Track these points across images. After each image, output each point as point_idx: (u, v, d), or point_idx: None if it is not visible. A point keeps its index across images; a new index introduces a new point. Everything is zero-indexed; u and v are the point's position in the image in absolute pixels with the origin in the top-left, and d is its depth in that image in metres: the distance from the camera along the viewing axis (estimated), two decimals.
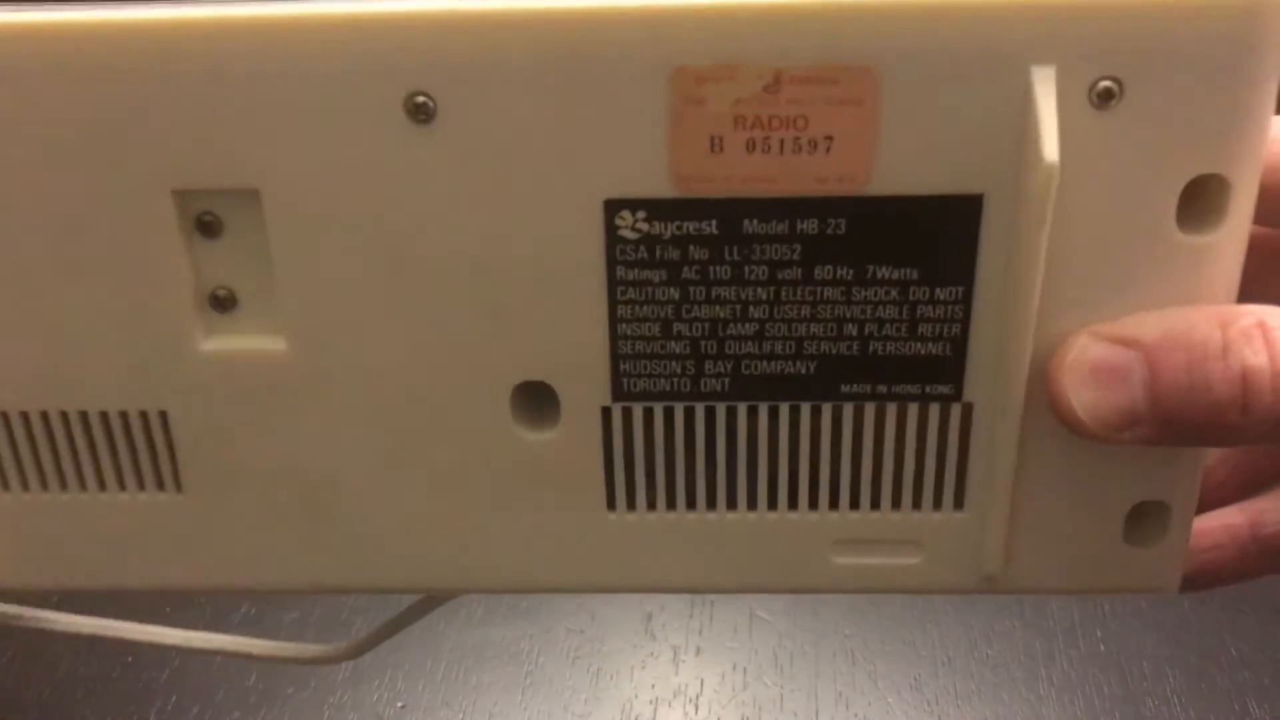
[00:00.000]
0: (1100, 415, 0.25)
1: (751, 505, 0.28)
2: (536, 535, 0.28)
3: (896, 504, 0.28)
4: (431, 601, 0.33)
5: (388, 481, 0.28)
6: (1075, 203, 0.24)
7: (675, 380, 0.27)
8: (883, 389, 0.26)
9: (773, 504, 0.28)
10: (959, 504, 0.28)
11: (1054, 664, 0.50)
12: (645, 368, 0.26)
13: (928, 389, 0.26)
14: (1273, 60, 0.23)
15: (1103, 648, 0.51)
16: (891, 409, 0.27)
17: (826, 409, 0.27)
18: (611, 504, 0.28)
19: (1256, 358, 0.24)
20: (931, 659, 0.50)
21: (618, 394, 0.27)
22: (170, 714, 0.48)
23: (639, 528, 0.28)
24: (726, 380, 0.26)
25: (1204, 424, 0.24)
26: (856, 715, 0.48)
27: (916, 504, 0.28)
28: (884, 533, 0.28)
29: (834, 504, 0.28)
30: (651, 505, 0.28)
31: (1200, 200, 0.24)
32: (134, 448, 0.28)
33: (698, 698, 0.48)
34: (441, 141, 0.24)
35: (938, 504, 0.28)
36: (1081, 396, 0.25)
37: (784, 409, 0.27)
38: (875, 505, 0.28)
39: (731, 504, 0.28)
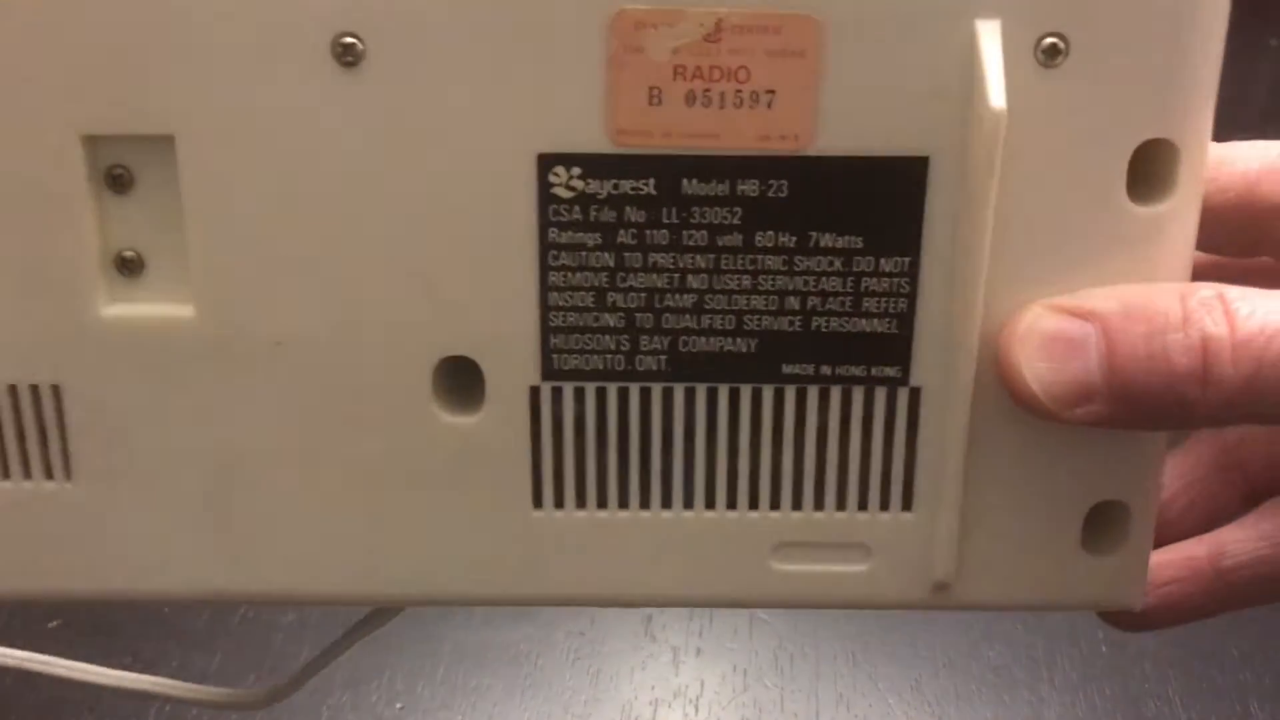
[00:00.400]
0: (1054, 389, 0.23)
1: (688, 503, 0.26)
2: (456, 536, 0.26)
3: (841, 504, 0.26)
4: (363, 628, 0.30)
5: (299, 471, 0.26)
6: (1023, 168, 0.24)
7: (609, 357, 0.25)
8: (826, 370, 0.25)
9: (711, 502, 0.26)
10: (907, 504, 0.26)
11: (1055, 665, 0.50)
12: (577, 343, 0.25)
13: (873, 370, 0.25)
14: (1217, 20, 0.23)
15: (1104, 649, 0.51)
16: (836, 393, 0.25)
17: (768, 392, 0.25)
18: (539, 500, 0.26)
19: (1216, 327, 0.23)
20: (932, 660, 0.50)
21: (547, 372, 0.25)
22: (168, 715, 0.48)
23: (567, 529, 0.26)
24: (663, 358, 0.25)
25: (1162, 398, 0.23)
26: (857, 717, 0.47)
27: (863, 504, 0.26)
28: (828, 535, 0.26)
29: (775, 503, 0.26)
30: (581, 502, 0.26)
31: (1150, 169, 0.24)
32: (20, 426, 0.26)
33: (698, 699, 0.49)
34: (368, 87, 0.23)
35: (885, 504, 0.26)
36: (1035, 368, 0.23)
37: (723, 391, 0.25)
38: (819, 505, 0.26)
39: (667, 502, 0.26)
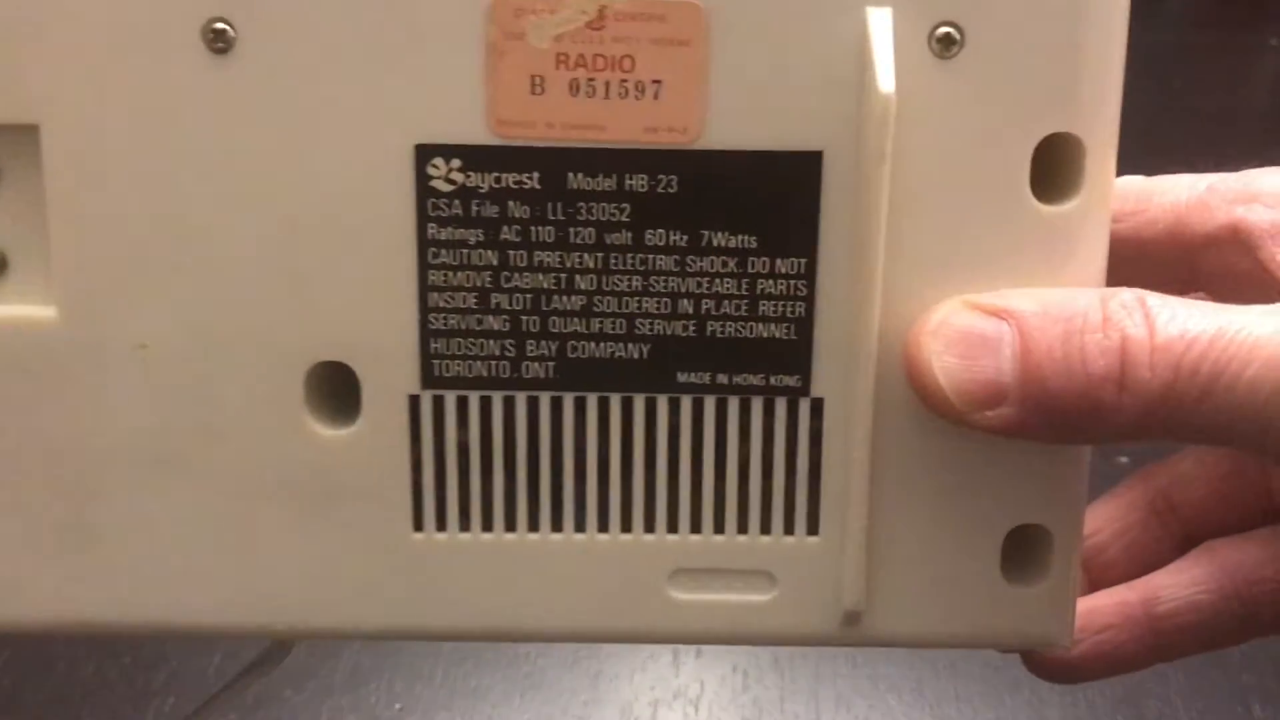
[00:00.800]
0: (963, 386, 0.22)
1: (579, 526, 0.24)
2: (330, 562, 0.24)
3: (743, 527, 0.24)
4: (260, 668, 0.28)
5: (163, 487, 0.24)
6: (921, 164, 0.23)
7: (493, 364, 0.24)
8: (723, 379, 0.24)
9: (604, 524, 0.24)
10: (813, 528, 0.24)
11: None
12: (459, 347, 0.24)
13: (772, 379, 0.24)
14: (1117, 11, 0.22)
15: None
16: (734, 405, 0.24)
17: (662, 403, 0.24)
18: (419, 522, 0.24)
19: (1136, 329, 0.22)
20: (933, 661, 0.49)
21: (427, 380, 0.24)
22: (167, 715, 0.48)
23: (450, 554, 0.24)
24: (551, 365, 0.24)
25: (1076, 403, 0.22)
26: (857, 718, 0.47)
27: (765, 527, 0.24)
28: (729, 561, 0.25)
29: (673, 525, 0.24)
30: (465, 525, 0.24)
31: (1056, 167, 0.23)
32: None
33: (698, 699, 0.48)
34: (240, 74, 0.22)
35: (789, 527, 0.24)
36: (945, 363, 0.22)
37: (615, 402, 0.24)
38: (719, 528, 0.24)
39: (557, 524, 0.24)
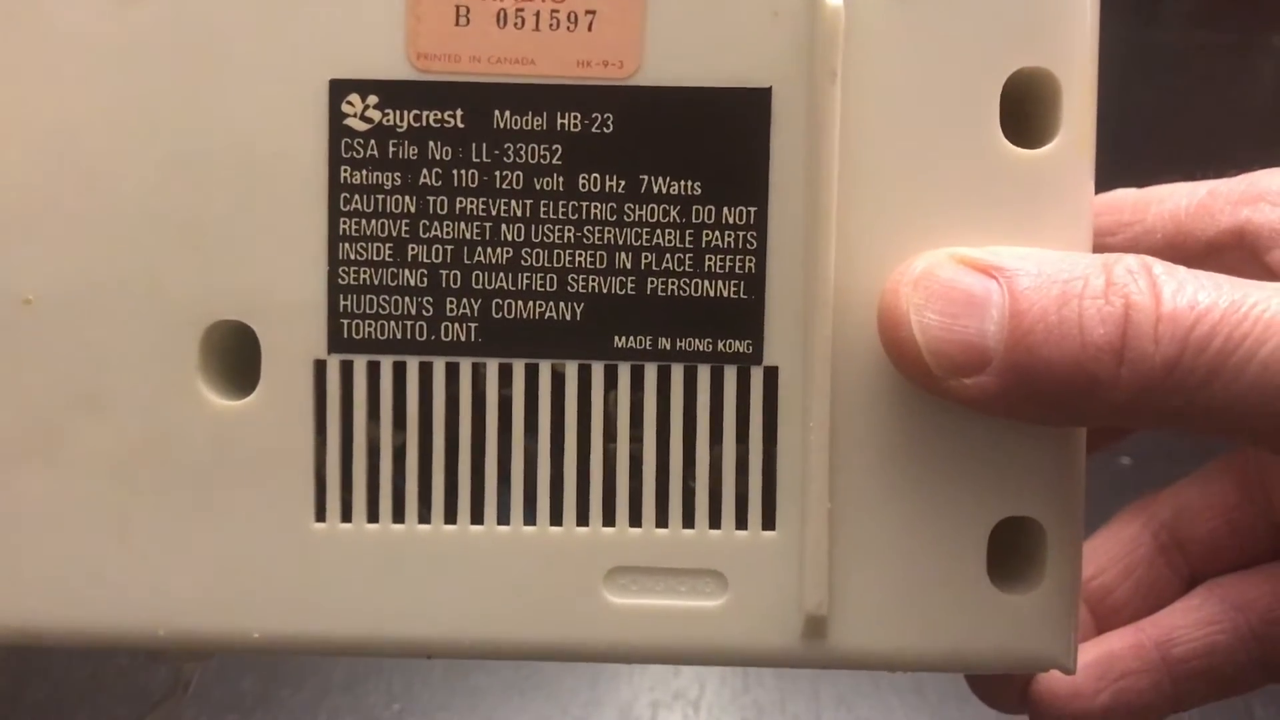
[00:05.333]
0: (941, 346, 0.20)
1: (503, 517, 0.21)
2: (218, 557, 0.21)
3: (689, 519, 0.21)
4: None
5: (42, 463, 0.21)
6: (881, 103, 0.21)
7: (409, 324, 0.21)
8: (665, 343, 0.21)
9: (530, 516, 0.21)
10: (769, 520, 0.21)
11: None
12: (371, 306, 0.21)
13: (720, 345, 0.21)
14: None
15: None
16: (677, 374, 0.21)
17: (597, 371, 0.21)
18: (321, 510, 0.21)
19: (1142, 297, 0.19)
20: None
21: (335, 342, 0.21)
22: (167, 716, 0.44)
23: (355, 549, 0.21)
24: (473, 326, 0.21)
25: (1068, 375, 0.19)
26: (859, 718, 0.47)
27: (715, 520, 0.21)
28: (674, 559, 0.21)
29: (609, 517, 0.21)
30: (373, 514, 0.21)
31: (1030, 110, 0.21)
32: None
33: (698, 700, 0.48)
34: (140, 5, 0.21)
35: (741, 520, 0.21)
36: (924, 317, 0.20)
37: (544, 369, 0.21)
38: (662, 520, 0.21)
39: (477, 515, 0.21)
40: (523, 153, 0.21)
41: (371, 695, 0.49)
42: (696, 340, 0.21)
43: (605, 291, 0.21)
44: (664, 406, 0.21)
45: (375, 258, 0.21)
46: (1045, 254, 0.20)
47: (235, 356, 0.21)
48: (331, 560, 0.21)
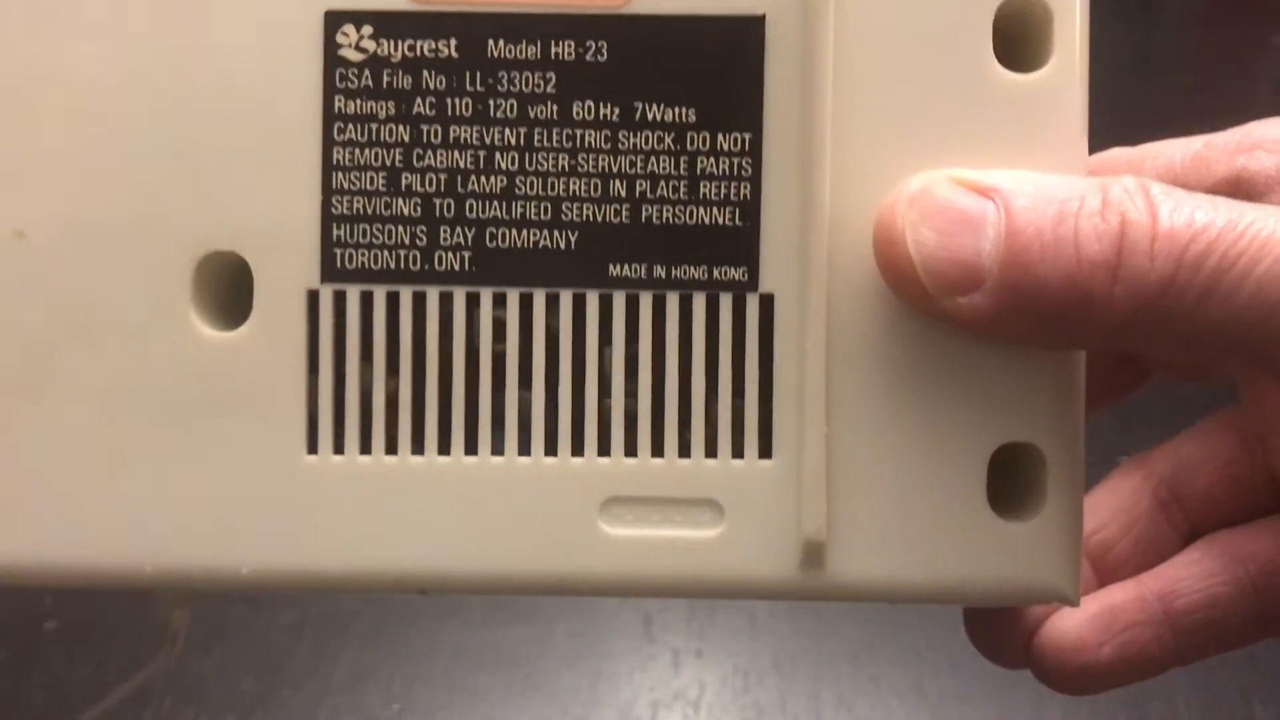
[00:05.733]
0: (935, 264, 0.20)
1: (498, 447, 0.21)
2: (209, 489, 0.21)
3: (685, 448, 0.21)
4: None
5: (35, 397, 0.21)
6: (873, 28, 0.21)
7: (402, 253, 0.21)
8: (660, 271, 0.21)
9: (525, 446, 0.21)
10: (766, 449, 0.21)
11: None
12: (365, 235, 0.21)
13: (716, 272, 0.21)
14: None
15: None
16: (673, 301, 0.21)
17: (592, 300, 0.21)
18: (314, 443, 0.21)
19: (1139, 215, 0.19)
20: (935, 662, 0.49)
21: (328, 272, 0.21)
22: (166, 716, 0.48)
23: (348, 481, 0.21)
24: (466, 255, 0.21)
25: (1062, 293, 0.19)
26: (859, 719, 0.47)
27: (711, 449, 0.21)
28: (670, 489, 0.21)
29: (604, 447, 0.21)
30: (366, 446, 0.21)
31: (1022, 37, 0.21)
32: None
33: (698, 700, 0.48)
34: None
35: (738, 448, 0.21)
36: (919, 234, 0.20)
37: (539, 298, 0.21)
38: (658, 449, 0.21)
39: (471, 446, 0.21)
40: (517, 82, 0.21)
41: (371, 695, 0.49)
42: (692, 268, 0.21)
43: (600, 220, 0.21)
44: (659, 335, 0.21)
45: (369, 187, 0.21)
46: (1042, 177, 0.20)
47: (228, 288, 0.21)
48: (323, 493, 0.21)
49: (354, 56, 0.21)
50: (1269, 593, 0.24)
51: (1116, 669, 0.23)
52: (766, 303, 0.21)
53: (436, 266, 0.21)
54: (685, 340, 0.21)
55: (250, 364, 0.21)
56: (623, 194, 0.21)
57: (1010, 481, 0.21)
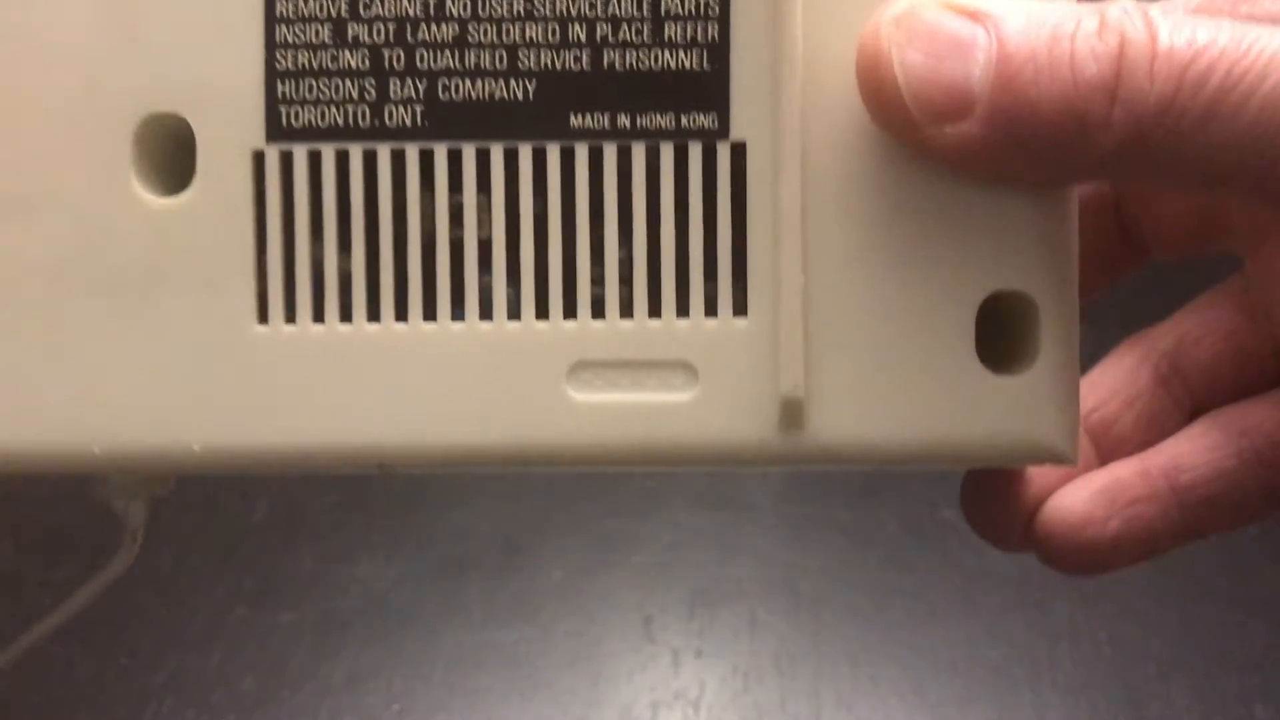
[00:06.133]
0: (923, 89, 0.18)
1: (457, 311, 0.20)
2: (155, 364, 0.20)
3: (655, 308, 0.20)
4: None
5: None
6: None
7: (350, 108, 0.20)
8: (624, 120, 0.20)
9: (486, 310, 0.20)
10: (740, 306, 0.20)
11: (1058, 667, 0.49)
12: (311, 90, 0.20)
13: (684, 120, 0.20)
14: None
15: (1107, 650, 0.50)
16: (639, 153, 0.20)
17: (553, 152, 0.20)
18: (263, 312, 0.20)
19: (1138, 34, 0.18)
20: (934, 662, 0.50)
21: (274, 131, 0.20)
22: (166, 716, 0.48)
23: (301, 351, 0.20)
24: (418, 108, 0.20)
25: (1057, 117, 0.18)
26: (858, 719, 0.47)
27: (682, 308, 0.20)
28: (640, 351, 0.20)
29: (570, 309, 0.20)
30: (319, 314, 0.20)
31: None
32: None
33: (698, 701, 0.48)
34: None
35: (711, 307, 0.20)
36: (906, 56, 0.18)
37: (496, 153, 0.20)
38: (626, 310, 0.20)
39: (429, 312, 0.20)
40: None
41: (371, 695, 0.49)
42: (658, 116, 0.20)
43: (558, 67, 0.20)
44: (625, 188, 0.20)
45: (314, 40, 0.20)
46: (1034, 3, 0.19)
47: (171, 153, 0.20)
48: (276, 365, 0.20)
49: None
50: (1275, 466, 0.23)
51: (1123, 544, 0.22)
52: (738, 151, 0.20)
53: (387, 122, 0.20)
54: (653, 193, 0.20)
55: (196, 231, 0.20)
56: (582, 38, 0.20)
57: (1001, 334, 0.20)
